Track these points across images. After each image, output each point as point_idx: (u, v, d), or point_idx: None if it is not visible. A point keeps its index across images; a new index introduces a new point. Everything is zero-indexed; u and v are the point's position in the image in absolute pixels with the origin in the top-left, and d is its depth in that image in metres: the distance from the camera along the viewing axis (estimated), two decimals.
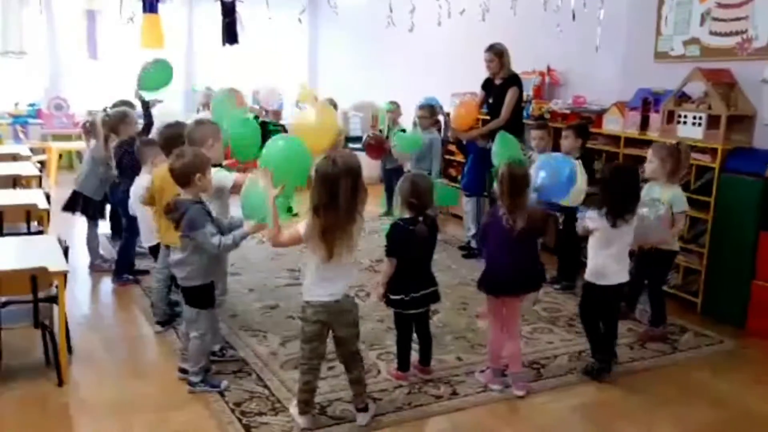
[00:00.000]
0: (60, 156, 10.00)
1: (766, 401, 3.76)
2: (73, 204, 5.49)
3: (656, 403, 3.68)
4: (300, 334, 3.23)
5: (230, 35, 10.08)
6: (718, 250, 4.88)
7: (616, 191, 3.75)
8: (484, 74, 6.22)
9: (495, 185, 3.86)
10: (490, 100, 6.27)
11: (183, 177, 3.40)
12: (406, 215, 3.58)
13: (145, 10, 8.85)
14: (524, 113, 6.49)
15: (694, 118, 5.05)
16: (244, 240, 3.42)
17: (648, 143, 5.37)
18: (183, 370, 3.67)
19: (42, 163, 9.66)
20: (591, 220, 3.80)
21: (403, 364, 3.75)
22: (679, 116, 5.17)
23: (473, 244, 6.27)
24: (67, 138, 9.92)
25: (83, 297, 5.10)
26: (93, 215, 5.54)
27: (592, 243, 3.86)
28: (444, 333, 4.41)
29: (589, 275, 3.86)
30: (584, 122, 5.84)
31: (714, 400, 3.74)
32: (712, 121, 4.95)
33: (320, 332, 3.15)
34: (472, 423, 3.41)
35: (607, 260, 3.79)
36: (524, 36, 7.00)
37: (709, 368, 4.14)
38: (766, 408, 3.69)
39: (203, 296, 3.54)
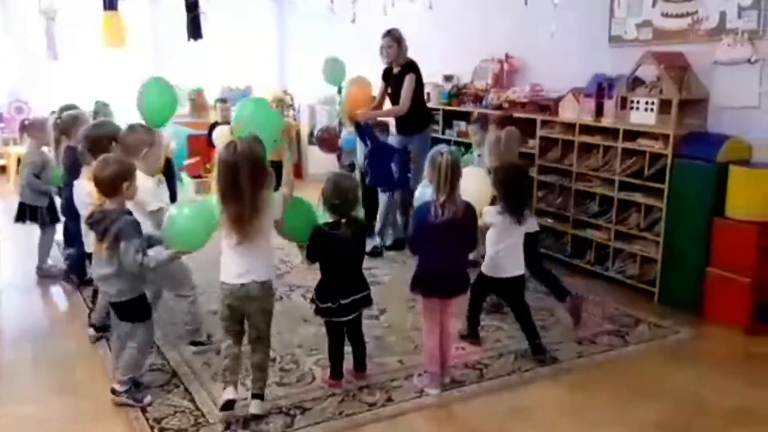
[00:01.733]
0: (20, 160, 9.83)
1: (721, 393, 3.63)
2: (21, 214, 5.35)
3: (603, 401, 3.55)
4: None
5: (194, 30, 9.94)
6: (673, 238, 4.76)
7: (510, 190, 3.92)
8: (436, 63, 6.06)
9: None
10: (389, 90, 6.14)
11: (110, 186, 3.24)
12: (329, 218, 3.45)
13: (105, 7, 8.69)
14: (424, 99, 6.33)
15: (647, 103, 4.91)
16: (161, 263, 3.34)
17: (603, 131, 5.27)
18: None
19: (2, 168, 9.54)
20: (489, 215, 3.94)
21: (336, 371, 3.62)
22: (632, 102, 5.03)
23: (377, 240, 6.01)
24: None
25: (24, 306, 4.94)
26: (43, 222, 5.39)
27: (489, 237, 3.99)
28: (389, 333, 4.28)
29: (484, 268, 4.03)
30: (508, 114, 5.75)
31: (666, 395, 3.61)
32: (665, 106, 4.81)
33: (231, 313, 3.22)
34: (405, 430, 3.28)
35: (502, 253, 3.95)
36: (481, 23, 6.86)
37: (662, 361, 4.02)
38: (720, 401, 3.55)
39: (138, 309, 3.40)
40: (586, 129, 5.43)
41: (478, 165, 5.07)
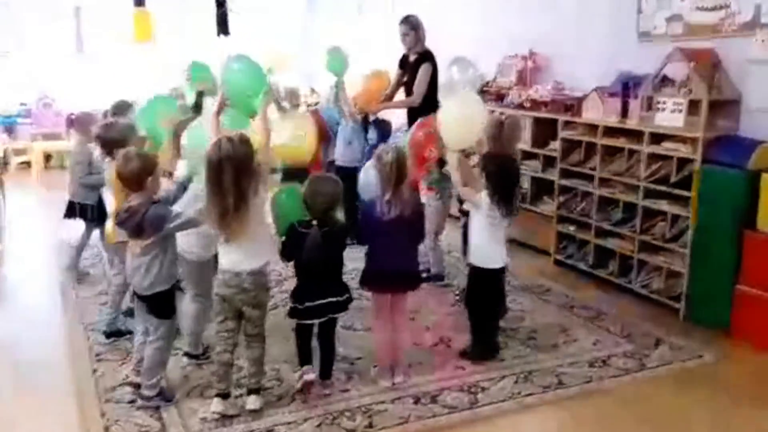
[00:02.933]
0: (49, 156, 9.87)
1: (746, 427, 3.28)
2: (71, 211, 5.15)
3: None
4: None
5: (222, 26, 9.83)
6: (701, 251, 4.38)
7: (500, 182, 3.70)
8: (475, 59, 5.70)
9: None
10: (405, 78, 5.84)
11: (134, 181, 3.23)
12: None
13: (135, 3, 8.80)
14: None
15: (674, 104, 4.53)
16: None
17: (627, 133, 4.91)
18: (136, 385, 3.42)
19: (28, 163, 9.58)
20: (481, 198, 3.73)
21: (304, 359, 3.51)
22: (658, 102, 4.65)
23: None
24: (57, 137, 9.75)
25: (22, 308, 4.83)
26: (90, 219, 5.14)
27: (476, 227, 3.83)
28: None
29: (473, 258, 3.86)
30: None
31: (682, 430, 3.27)
32: (693, 107, 4.42)
33: (225, 307, 3.20)
34: None
35: (493, 244, 3.81)
36: (505, 17, 6.54)
37: (680, 388, 3.66)
38: None
39: (166, 304, 3.33)
40: (609, 131, 5.06)
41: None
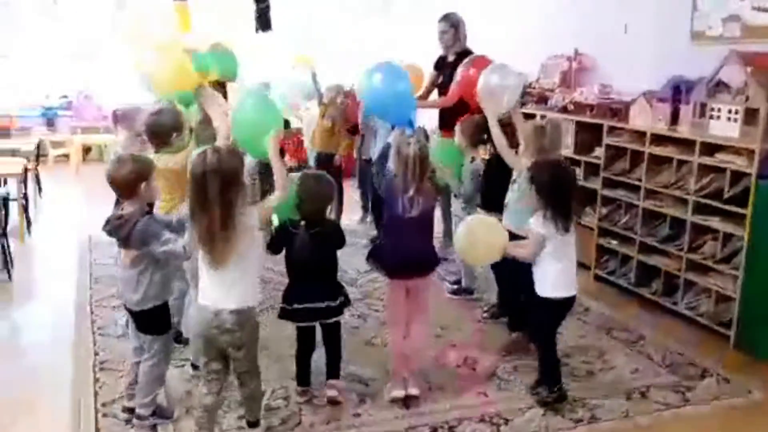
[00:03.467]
0: (89, 149, 9.88)
1: None
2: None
3: None
4: None
5: (263, 22, 9.68)
6: (755, 274, 3.99)
7: (557, 191, 3.24)
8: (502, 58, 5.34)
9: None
10: (440, 80, 5.52)
11: (126, 187, 2.97)
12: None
13: None
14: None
15: (729, 112, 4.14)
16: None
17: (677, 142, 4.53)
18: (129, 410, 3.19)
19: (67, 156, 9.59)
20: (539, 226, 3.25)
21: (301, 379, 3.42)
22: (712, 110, 4.26)
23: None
24: (96, 131, 9.74)
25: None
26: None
27: (542, 257, 3.31)
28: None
29: (544, 288, 3.33)
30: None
31: None
32: (751, 116, 4.03)
33: (207, 348, 2.87)
34: None
35: (564, 270, 3.33)
36: (549, 15, 6.18)
37: (725, 428, 3.32)
38: None
39: (159, 320, 3.09)
40: (658, 139, 4.68)
41: (471, 172, 4.54)
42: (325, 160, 6.71)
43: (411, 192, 3.19)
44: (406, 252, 3.32)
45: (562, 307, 3.37)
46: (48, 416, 3.32)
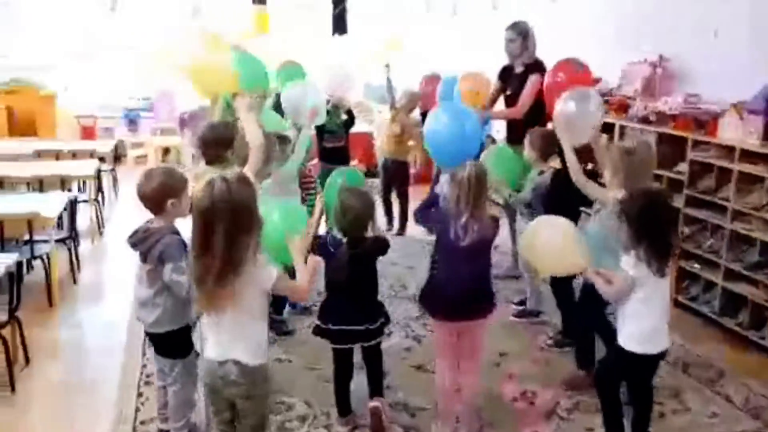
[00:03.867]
0: (167, 150, 10.06)
1: None
2: None
3: None
4: None
5: (339, 25, 9.61)
6: None
7: (654, 225, 2.72)
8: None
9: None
10: (509, 92, 5.19)
11: (153, 203, 2.86)
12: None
13: (254, 1, 8.99)
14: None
15: None
16: None
17: None
18: None
19: (146, 157, 9.81)
20: (630, 267, 2.74)
21: (342, 407, 3.26)
22: None
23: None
24: (174, 132, 9.91)
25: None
26: None
27: (630, 302, 2.81)
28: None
29: (628, 341, 2.83)
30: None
31: None
32: None
33: (214, 399, 2.53)
34: None
35: (654, 321, 2.82)
36: (630, 16, 5.79)
37: None
38: None
39: (177, 343, 2.97)
40: (748, 155, 4.25)
41: (537, 185, 4.25)
42: (392, 168, 6.56)
43: (464, 218, 2.93)
44: (455, 287, 3.03)
45: (647, 365, 2.90)
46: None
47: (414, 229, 6.09)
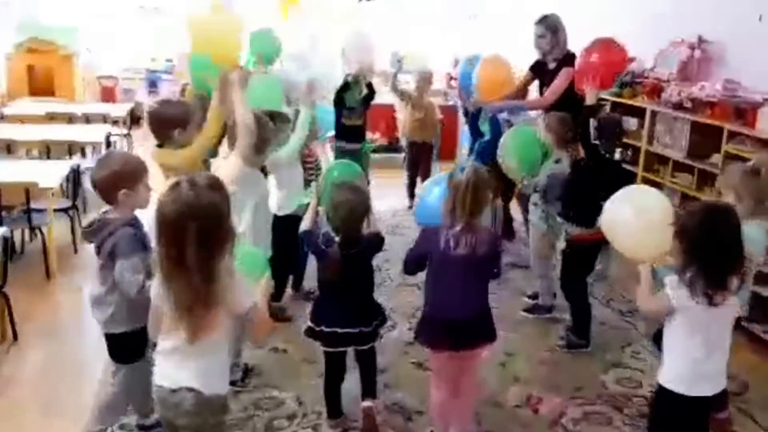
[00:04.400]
0: None
1: None
2: None
3: None
4: None
5: None
6: None
7: (709, 245, 2.29)
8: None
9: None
10: (545, 90, 4.86)
11: (104, 192, 2.65)
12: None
13: None
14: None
15: None
16: None
17: None
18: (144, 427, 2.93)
19: None
20: (672, 291, 2.35)
21: (332, 409, 3.10)
22: None
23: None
24: None
25: None
26: None
27: (670, 331, 2.45)
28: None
29: (669, 381, 2.45)
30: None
31: None
32: None
33: (166, 427, 2.22)
34: None
35: (699, 357, 2.38)
36: None
37: None
38: None
39: (127, 347, 2.75)
40: None
41: (552, 173, 4.05)
42: (418, 149, 6.46)
43: (458, 227, 2.67)
44: (445, 307, 2.75)
45: (689, 409, 2.43)
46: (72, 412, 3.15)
47: None
